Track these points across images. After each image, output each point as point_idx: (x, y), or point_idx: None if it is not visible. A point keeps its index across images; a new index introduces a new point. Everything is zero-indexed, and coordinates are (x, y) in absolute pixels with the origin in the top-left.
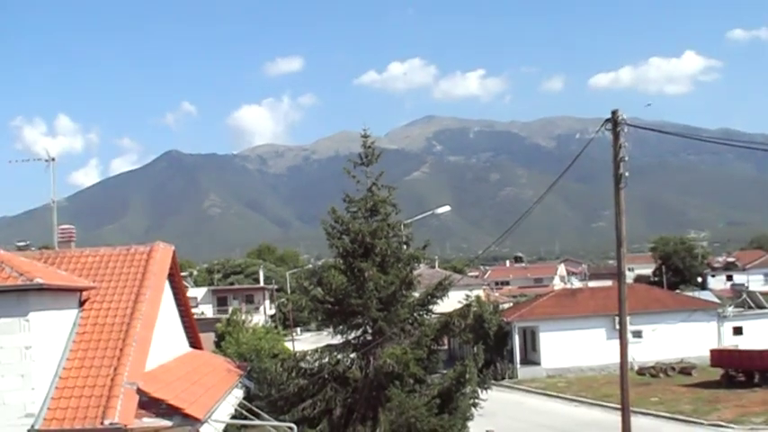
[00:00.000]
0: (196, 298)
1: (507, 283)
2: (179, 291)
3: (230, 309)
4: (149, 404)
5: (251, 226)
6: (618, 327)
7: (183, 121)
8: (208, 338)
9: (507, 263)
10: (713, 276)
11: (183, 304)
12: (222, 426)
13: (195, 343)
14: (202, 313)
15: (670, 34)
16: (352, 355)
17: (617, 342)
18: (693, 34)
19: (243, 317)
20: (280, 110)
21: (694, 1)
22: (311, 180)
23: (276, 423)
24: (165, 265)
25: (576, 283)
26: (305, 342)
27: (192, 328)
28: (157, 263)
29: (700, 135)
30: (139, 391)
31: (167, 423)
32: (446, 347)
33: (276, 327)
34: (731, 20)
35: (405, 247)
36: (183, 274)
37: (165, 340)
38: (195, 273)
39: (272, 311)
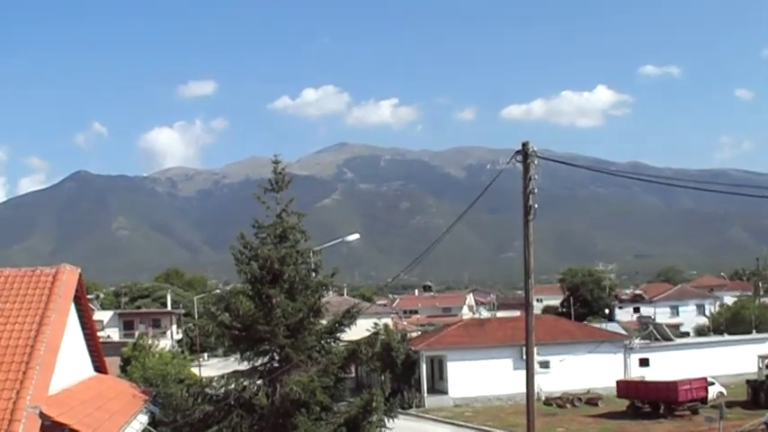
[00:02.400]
0: (102, 321)
1: (416, 312)
2: (85, 314)
3: (137, 333)
4: (52, 428)
5: (159, 249)
6: (525, 357)
7: (93, 142)
8: (113, 362)
9: (416, 292)
10: (620, 308)
11: (88, 327)
12: None
13: (100, 367)
14: (108, 337)
15: (582, 68)
16: (259, 382)
17: (524, 372)
18: (605, 69)
19: (149, 341)
20: (191, 133)
21: (607, 36)
22: (221, 204)
23: None
24: (71, 288)
25: (485, 313)
26: (212, 368)
27: (98, 352)
28: (63, 285)
29: (609, 168)
30: (42, 415)
31: None
32: (353, 375)
33: (183, 352)
34: (643, 56)
35: (313, 274)
36: (89, 296)
37: (69, 364)
38: (102, 296)
39: (180, 336)
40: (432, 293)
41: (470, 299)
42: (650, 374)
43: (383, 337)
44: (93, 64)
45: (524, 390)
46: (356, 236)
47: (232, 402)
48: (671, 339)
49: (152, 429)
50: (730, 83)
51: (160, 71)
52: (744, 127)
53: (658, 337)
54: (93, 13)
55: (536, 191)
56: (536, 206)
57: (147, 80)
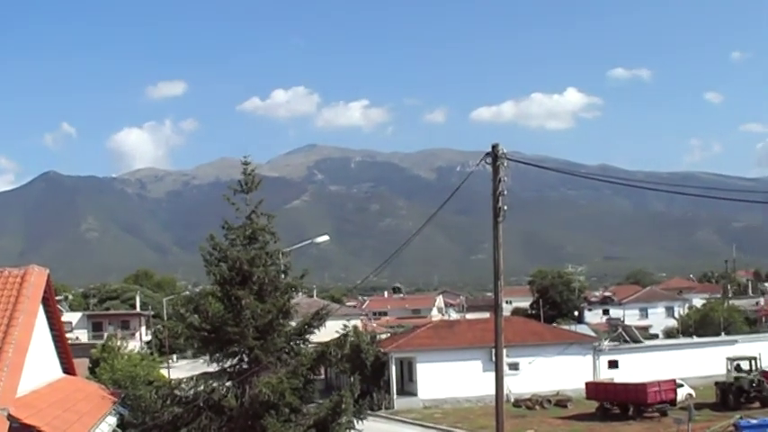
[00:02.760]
0: (71, 323)
1: (385, 314)
2: (53, 315)
3: (106, 334)
4: (20, 430)
5: (129, 251)
6: (494, 359)
7: (62, 142)
8: (82, 364)
9: (386, 293)
10: (590, 310)
11: (56, 329)
12: None
13: (69, 369)
14: (77, 338)
15: (553, 71)
16: (228, 384)
17: (494, 374)
18: (576, 71)
19: (118, 343)
20: (161, 134)
21: (577, 39)
22: (190, 206)
23: None
24: (40, 289)
25: (454, 315)
26: (181, 369)
27: (66, 354)
28: (31, 286)
29: (579, 171)
30: (10, 417)
31: None
32: (323, 377)
33: (152, 353)
34: (613, 58)
35: (283, 275)
36: (57, 298)
37: (37, 365)
38: (70, 297)
39: (148, 338)
40: (401, 295)
41: (440, 300)
42: (619, 376)
43: (352, 338)
44: (62, 64)
45: (494, 391)
46: (326, 237)
47: (201, 404)
48: (640, 341)
49: (121, 431)
50: (700, 86)
51: (129, 72)
52: (713, 130)
53: (627, 339)
54: (62, 14)
55: (506, 193)
56: (506, 208)
57: (116, 81)
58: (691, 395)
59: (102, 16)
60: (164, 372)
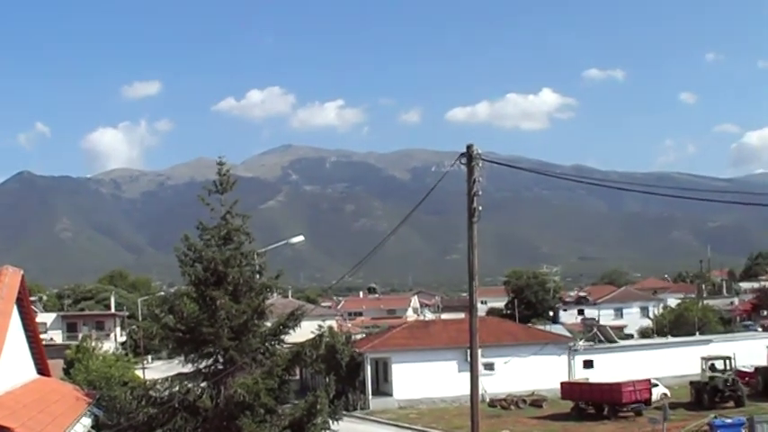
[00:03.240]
0: (45, 323)
1: (360, 314)
2: (27, 316)
3: (80, 335)
4: None
5: (103, 251)
6: (469, 359)
7: (36, 142)
8: (56, 365)
9: (361, 294)
10: (565, 310)
11: (31, 330)
12: None
13: (43, 370)
14: (51, 339)
15: (528, 71)
16: (203, 385)
17: (469, 374)
18: (550, 72)
19: (93, 344)
20: (136, 134)
21: (552, 39)
22: (165, 206)
23: None
24: (14, 290)
25: (429, 315)
26: (156, 370)
27: (41, 355)
28: (5, 287)
29: (554, 171)
30: None
31: None
32: (298, 378)
33: (127, 354)
34: (588, 59)
35: (258, 276)
36: (32, 298)
37: (11, 366)
38: (45, 297)
39: (123, 339)
40: (376, 295)
41: (415, 301)
42: (594, 376)
43: (328, 339)
44: (36, 63)
45: (469, 391)
46: (301, 238)
47: (176, 405)
48: (615, 341)
49: None
50: (674, 87)
51: (104, 71)
52: (688, 131)
53: (602, 338)
54: (36, 11)
55: (480, 193)
56: (480, 208)
57: (90, 80)
58: (665, 395)
59: (77, 15)
60: (139, 372)
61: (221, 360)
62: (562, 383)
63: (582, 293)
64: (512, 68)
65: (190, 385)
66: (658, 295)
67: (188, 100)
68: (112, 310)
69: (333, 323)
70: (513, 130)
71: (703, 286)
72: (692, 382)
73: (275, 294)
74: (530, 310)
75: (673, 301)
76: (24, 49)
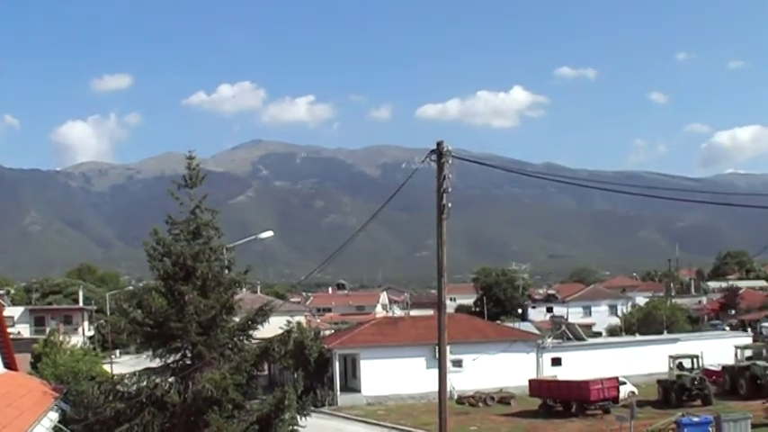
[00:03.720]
0: (13, 317)
1: (329, 310)
2: None
3: (48, 329)
4: None
5: (72, 245)
6: (438, 356)
7: (5, 135)
8: (24, 359)
9: (330, 290)
10: (534, 308)
11: None
12: None
13: (10, 364)
14: (19, 333)
15: (499, 69)
16: (171, 380)
17: (437, 371)
18: (522, 70)
19: (61, 338)
20: (105, 127)
21: (523, 37)
22: (135, 200)
23: None
24: None
25: (398, 312)
26: (124, 365)
27: (8, 349)
28: None
29: (524, 169)
30: None
31: None
32: (266, 373)
33: (95, 349)
34: (559, 57)
35: (227, 271)
36: None
37: None
38: (12, 291)
39: (91, 333)
40: (345, 292)
41: (384, 297)
42: (562, 374)
43: (296, 334)
44: (4, 55)
45: (437, 388)
46: (270, 233)
47: (144, 400)
48: (583, 339)
49: (63, 427)
50: (645, 86)
51: (74, 64)
52: (658, 130)
53: (571, 336)
54: (6, 3)
55: (450, 190)
56: (450, 205)
57: (60, 73)
58: (633, 393)
59: (47, 8)
60: (106, 367)
61: (189, 355)
62: (530, 381)
63: (551, 291)
64: (483, 66)
65: (158, 380)
66: (627, 294)
67: (158, 94)
68: (80, 305)
69: (301, 319)
70: (484, 127)
71: (672, 285)
72: (659, 381)
73: (244, 289)
74: (498, 307)
75: (641, 300)
76: None
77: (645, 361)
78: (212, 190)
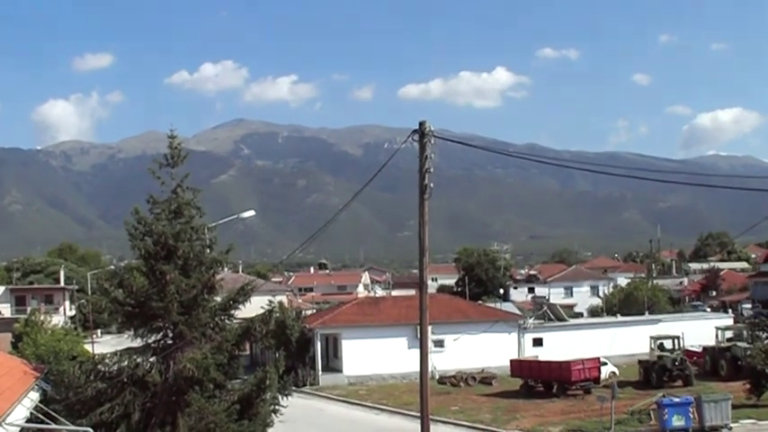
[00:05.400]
0: None
1: (311, 290)
2: None
3: (29, 309)
4: None
5: (53, 224)
6: (419, 336)
7: None
8: (4, 339)
9: (311, 269)
10: (515, 288)
11: None
12: (17, 429)
13: None
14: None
15: (481, 49)
16: (152, 359)
17: (418, 351)
18: (504, 50)
19: (42, 317)
20: (87, 106)
21: (505, 17)
22: (116, 179)
23: (73, 428)
24: None
25: (380, 292)
26: (105, 345)
27: None
28: None
29: (507, 149)
30: None
31: None
32: (248, 353)
33: (76, 328)
34: (542, 38)
35: (208, 250)
36: None
37: None
38: None
39: (72, 313)
40: (327, 271)
41: (366, 277)
42: (544, 354)
43: (278, 314)
44: None
45: (419, 368)
46: (252, 212)
47: (125, 380)
48: (564, 320)
49: (43, 407)
50: (628, 68)
51: (55, 43)
52: (640, 111)
53: (552, 317)
54: None
55: (432, 170)
56: (432, 185)
57: (41, 52)
58: (614, 373)
59: None
60: (88, 347)
61: (171, 335)
62: (512, 361)
63: (532, 272)
64: (465, 46)
65: (139, 360)
66: (608, 274)
67: (140, 73)
68: (62, 284)
69: (283, 299)
70: (467, 107)
71: (653, 266)
72: (640, 361)
73: (225, 269)
74: (480, 287)
75: (623, 281)
76: None
77: (626, 342)
78: (194, 169)
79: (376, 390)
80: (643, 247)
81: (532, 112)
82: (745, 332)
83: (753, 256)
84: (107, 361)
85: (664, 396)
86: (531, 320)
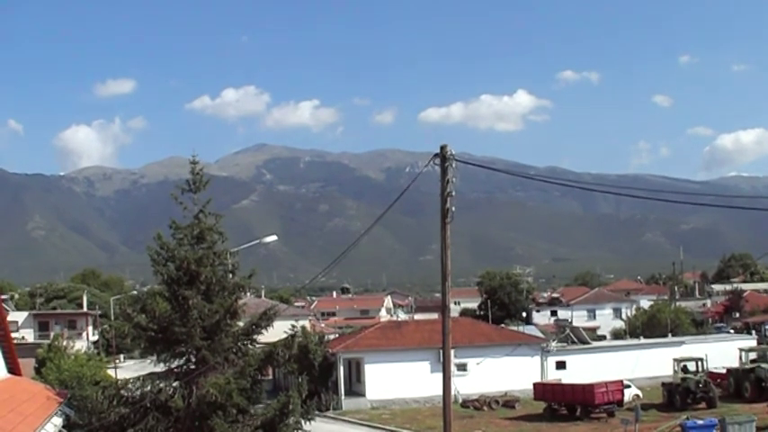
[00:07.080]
0: (17, 322)
1: (333, 314)
2: None
3: (52, 334)
4: None
5: (76, 250)
6: (442, 359)
7: (8, 139)
8: (28, 364)
9: (334, 294)
10: (538, 311)
11: (2, 328)
12: None
13: (14, 369)
14: (23, 338)
15: (502, 73)
16: (175, 384)
17: (441, 374)
18: (525, 73)
19: (65, 343)
20: (109, 132)
21: (527, 41)
22: (139, 205)
23: None
24: None
25: (403, 316)
26: (128, 370)
27: (11, 354)
28: None
29: (528, 172)
30: None
31: None
32: (271, 378)
33: (99, 353)
34: (562, 61)
35: (230, 275)
36: (3, 297)
37: None
38: (16, 296)
39: (95, 338)
40: (350, 295)
41: (388, 301)
42: (567, 377)
43: (300, 339)
44: (9, 59)
45: (441, 392)
46: (274, 237)
47: (148, 405)
48: (587, 342)
49: None
50: (648, 89)
51: (78, 69)
52: (661, 133)
53: (575, 340)
54: (10, 8)
55: (454, 194)
56: (454, 209)
57: (64, 77)
58: (638, 396)
59: (50, 13)
60: (110, 372)
61: (193, 360)
62: (535, 384)
63: (555, 295)
64: (486, 70)
65: (162, 385)
66: (631, 297)
67: (162, 98)
68: (85, 309)
69: (306, 323)
70: (488, 131)
71: (676, 288)
72: (664, 384)
73: (248, 294)
74: (503, 311)
75: (645, 303)
76: None
77: (649, 364)
78: (216, 194)
79: (399, 414)
80: (666, 269)
81: (553, 135)
82: None
83: None
84: (130, 386)
85: (687, 418)
86: (553, 343)
